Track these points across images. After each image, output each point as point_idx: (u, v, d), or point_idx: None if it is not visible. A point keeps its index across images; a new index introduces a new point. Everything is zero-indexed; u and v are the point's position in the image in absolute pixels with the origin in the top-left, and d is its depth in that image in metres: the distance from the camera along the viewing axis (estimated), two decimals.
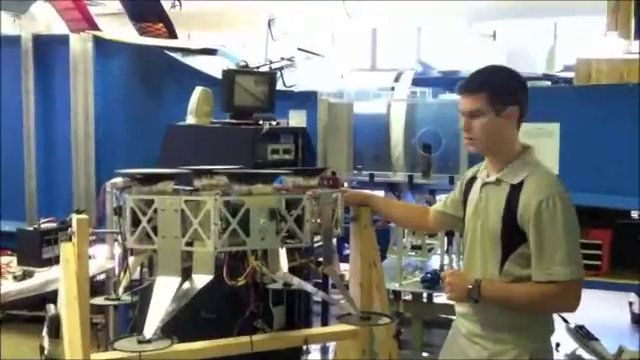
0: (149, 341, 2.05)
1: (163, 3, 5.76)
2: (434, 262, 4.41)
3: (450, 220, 2.73)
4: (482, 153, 2.54)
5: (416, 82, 5.09)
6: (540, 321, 2.47)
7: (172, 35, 5.55)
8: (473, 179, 2.60)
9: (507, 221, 2.36)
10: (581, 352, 4.90)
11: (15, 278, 3.69)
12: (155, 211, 2.11)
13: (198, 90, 4.10)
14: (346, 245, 2.92)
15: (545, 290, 2.32)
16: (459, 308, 2.61)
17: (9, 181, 4.67)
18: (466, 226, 2.58)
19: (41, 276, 3.74)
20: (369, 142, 4.79)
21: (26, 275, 3.73)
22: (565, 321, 5.08)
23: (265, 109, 4.20)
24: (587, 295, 5.63)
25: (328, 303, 4.84)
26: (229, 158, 2.77)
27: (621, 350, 4.48)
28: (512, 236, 2.36)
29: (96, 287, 4.01)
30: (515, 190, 2.37)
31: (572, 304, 2.41)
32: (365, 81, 5.89)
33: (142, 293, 2.45)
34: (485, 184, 2.49)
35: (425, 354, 4.47)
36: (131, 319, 2.67)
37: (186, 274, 2.19)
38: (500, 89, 2.43)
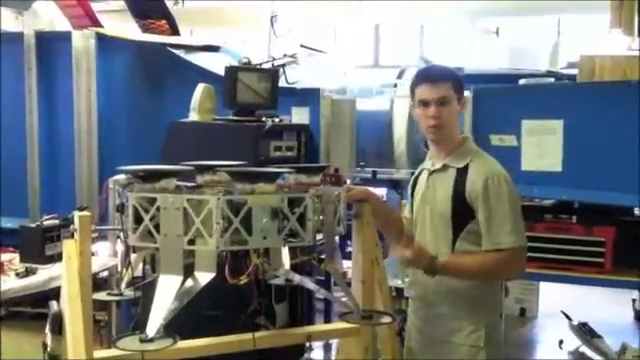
0: (151, 340, 2.05)
1: (166, 0, 5.76)
2: None
3: None
4: (435, 142, 2.70)
5: None
6: (489, 297, 2.65)
7: (175, 32, 5.54)
8: (418, 176, 2.82)
9: (456, 201, 2.57)
10: (584, 349, 4.91)
11: (18, 275, 3.70)
12: (157, 209, 2.10)
13: (201, 87, 4.10)
14: (348, 242, 2.92)
15: (493, 258, 2.52)
16: (413, 292, 2.81)
17: (12, 178, 4.67)
18: (415, 216, 2.77)
19: (44, 273, 3.75)
20: (372, 139, 4.78)
21: (29, 272, 3.73)
22: (568, 318, 5.08)
23: (268, 106, 4.20)
24: (590, 292, 5.67)
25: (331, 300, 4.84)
26: (232, 155, 2.77)
27: (624, 347, 4.49)
28: (461, 214, 2.56)
29: (99, 284, 4.01)
30: (461, 173, 2.59)
31: (517, 270, 2.67)
32: (368, 78, 5.88)
33: (144, 289, 2.45)
34: (432, 172, 2.70)
35: None
36: (134, 316, 2.67)
37: (188, 271, 2.19)
38: (459, 79, 2.68)
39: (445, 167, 2.65)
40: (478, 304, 2.60)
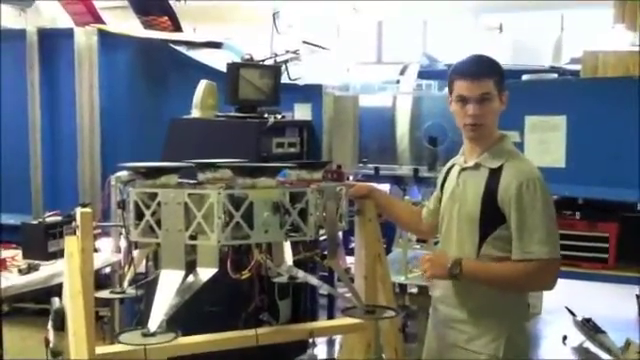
0: (153, 334, 2.05)
1: None
2: None
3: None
4: (471, 140, 2.54)
5: (422, 75, 5.05)
6: (516, 304, 2.51)
7: (177, 28, 5.53)
8: (450, 169, 2.67)
9: (486, 203, 2.41)
10: (588, 345, 4.91)
11: (20, 271, 3.70)
12: (159, 204, 2.11)
13: (203, 83, 4.09)
14: (352, 238, 2.92)
15: (523, 268, 2.37)
16: (436, 293, 2.65)
17: (15, 175, 4.67)
18: (442, 212, 2.63)
19: (46, 269, 3.75)
20: (374, 135, 4.76)
21: (31, 268, 3.73)
22: (572, 314, 5.08)
23: (270, 102, 4.19)
24: (594, 288, 5.66)
25: (334, 296, 4.84)
26: (234, 152, 2.77)
27: (628, 343, 4.48)
28: (490, 218, 2.41)
29: (102, 280, 4.02)
30: (494, 174, 2.43)
31: (549, 282, 2.46)
32: (370, 74, 5.88)
33: (148, 286, 2.45)
34: (463, 169, 2.54)
35: None
36: (137, 312, 2.68)
37: (190, 267, 2.19)
38: (502, 73, 2.49)
39: (477, 166, 2.48)
40: (501, 311, 2.45)
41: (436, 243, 4.44)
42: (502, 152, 2.48)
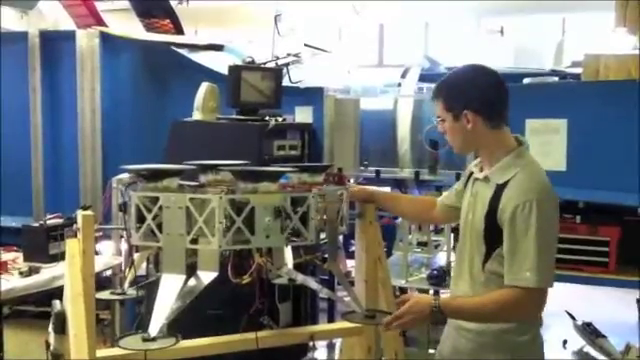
0: (154, 339, 2.05)
1: None
2: (440, 258, 4.39)
3: (455, 212, 2.67)
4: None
5: (423, 78, 5.05)
6: None
7: (179, 31, 5.55)
8: (472, 172, 2.61)
9: (489, 220, 2.35)
10: (589, 349, 4.90)
11: (21, 274, 3.70)
12: (160, 208, 2.11)
13: (204, 86, 4.10)
14: (352, 242, 2.91)
15: (512, 295, 2.27)
16: None
17: (16, 177, 4.68)
18: (462, 215, 2.58)
19: (47, 272, 3.75)
20: (376, 138, 4.77)
21: (32, 271, 3.73)
22: (572, 318, 5.07)
23: (271, 105, 4.20)
24: (595, 292, 5.63)
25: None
26: (235, 154, 2.77)
27: (628, 347, 4.48)
28: (493, 235, 2.35)
29: (103, 283, 4.01)
30: (499, 190, 2.35)
31: (532, 312, 2.38)
32: (372, 77, 5.86)
33: (148, 289, 2.45)
34: (476, 180, 2.50)
35: (432, 351, 4.45)
36: (137, 315, 2.68)
37: (191, 270, 2.19)
38: (451, 95, 2.44)
39: (487, 179, 2.42)
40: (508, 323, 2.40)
41: (437, 246, 4.47)
42: (513, 165, 2.38)
